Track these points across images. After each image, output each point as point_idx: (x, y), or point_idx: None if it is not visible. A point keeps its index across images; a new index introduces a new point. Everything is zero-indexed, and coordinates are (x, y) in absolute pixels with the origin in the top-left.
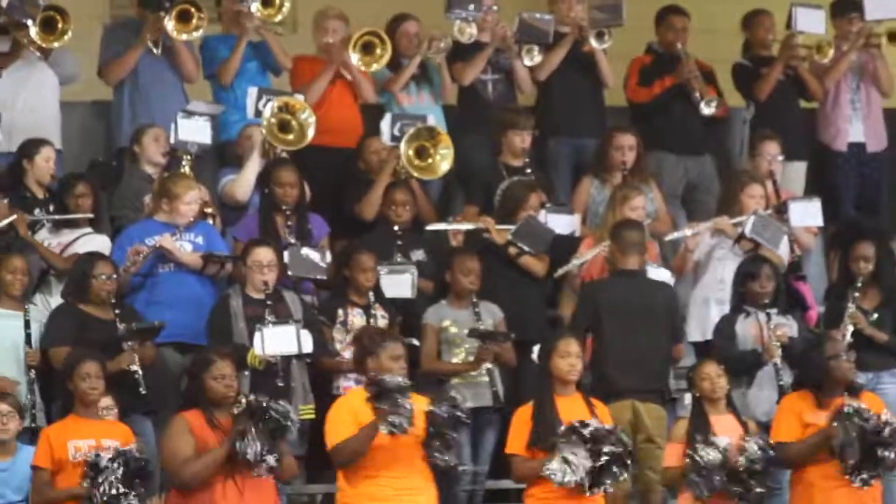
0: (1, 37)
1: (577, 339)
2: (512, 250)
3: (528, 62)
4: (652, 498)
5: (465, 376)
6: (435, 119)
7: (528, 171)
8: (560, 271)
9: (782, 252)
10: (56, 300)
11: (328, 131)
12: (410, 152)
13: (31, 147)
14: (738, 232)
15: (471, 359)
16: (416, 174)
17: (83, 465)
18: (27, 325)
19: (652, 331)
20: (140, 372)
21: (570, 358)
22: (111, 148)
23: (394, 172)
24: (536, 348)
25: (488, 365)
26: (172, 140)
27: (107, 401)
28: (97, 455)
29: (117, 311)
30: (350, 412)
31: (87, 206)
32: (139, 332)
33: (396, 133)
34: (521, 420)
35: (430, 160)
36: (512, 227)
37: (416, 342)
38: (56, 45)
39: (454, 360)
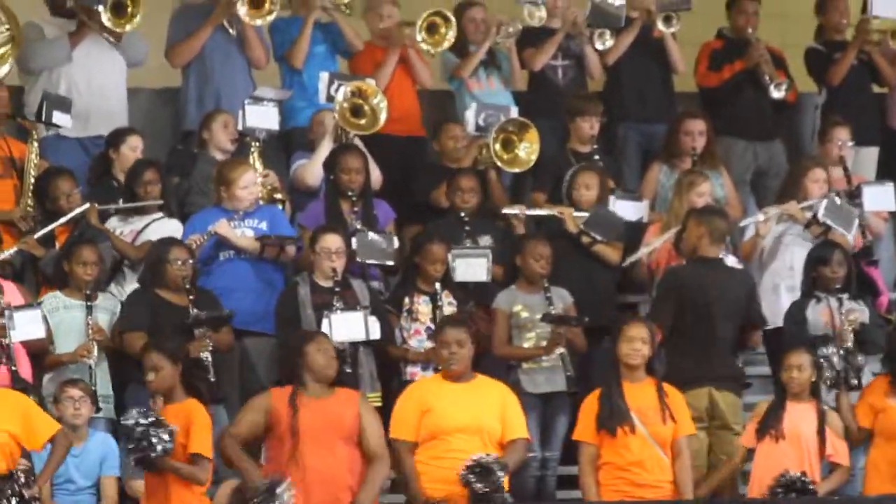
0: (67, 20)
1: (645, 325)
2: (585, 239)
3: (599, 46)
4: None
5: (536, 361)
6: (515, 110)
7: (597, 157)
8: (630, 259)
9: (851, 236)
10: (130, 289)
11: (388, 119)
12: (497, 145)
13: (117, 137)
14: (809, 217)
15: (542, 344)
16: (501, 166)
17: None
18: (89, 310)
19: (729, 318)
20: (210, 359)
21: (635, 343)
22: (177, 134)
23: (474, 162)
24: None
25: (561, 349)
26: (240, 126)
27: None
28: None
29: (191, 297)
30: (417, 404)
31: (156, 192)
32: (209, 319)
33: (481, 123)
34: (590, 407)
35: (515, 152)
36: (585, 215)
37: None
38: (128, 28)
39: (525, 345)
